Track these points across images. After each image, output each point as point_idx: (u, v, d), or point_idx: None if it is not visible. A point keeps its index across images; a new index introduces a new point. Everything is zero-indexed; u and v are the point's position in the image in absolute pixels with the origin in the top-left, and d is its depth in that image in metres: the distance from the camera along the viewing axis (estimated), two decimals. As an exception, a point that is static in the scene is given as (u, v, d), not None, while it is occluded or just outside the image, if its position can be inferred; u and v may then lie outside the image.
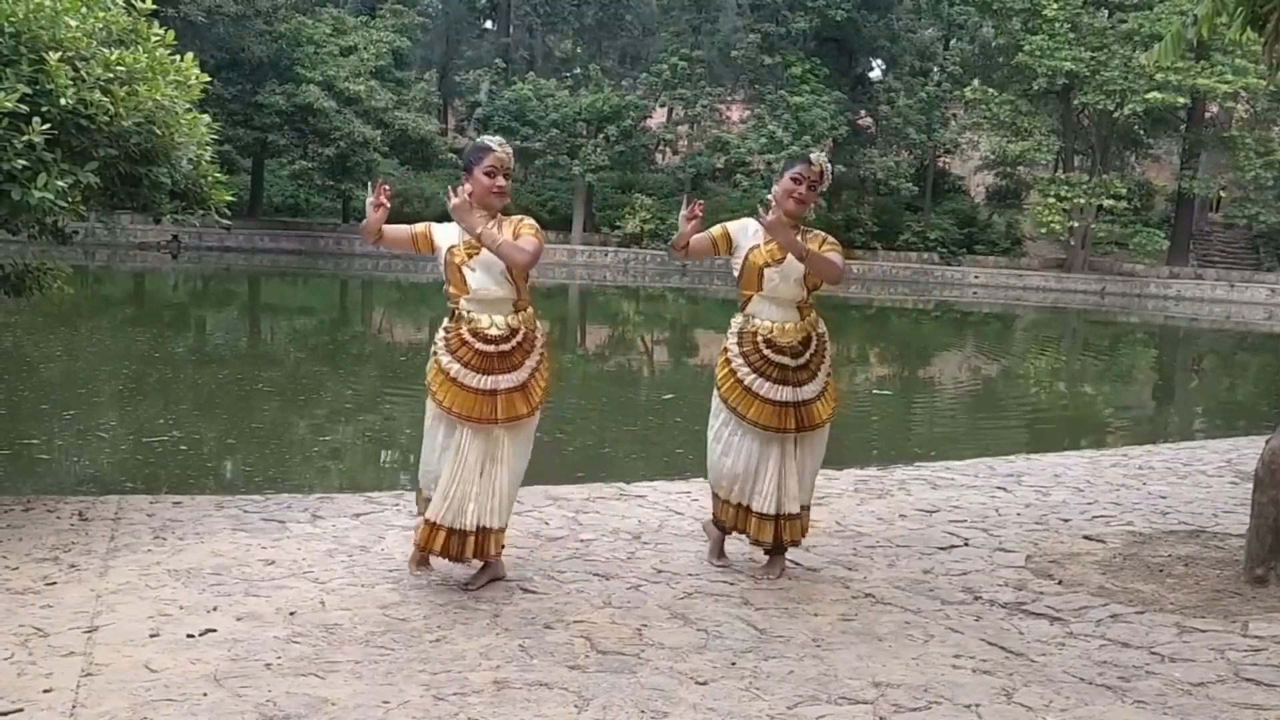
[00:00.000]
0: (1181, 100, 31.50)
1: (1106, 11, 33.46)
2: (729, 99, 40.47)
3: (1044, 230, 34.61)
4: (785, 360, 4.24)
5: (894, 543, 4.92)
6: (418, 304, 23.10)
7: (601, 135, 36.35)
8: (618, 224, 36.72)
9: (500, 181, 3.95)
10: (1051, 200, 33.22)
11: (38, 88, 4.18)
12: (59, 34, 4.31)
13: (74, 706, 2.92)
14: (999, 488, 6.20)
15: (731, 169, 36.40)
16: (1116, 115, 32.26)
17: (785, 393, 4.22)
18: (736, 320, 4.35)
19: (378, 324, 20.16)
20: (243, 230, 30.96)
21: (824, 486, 5.81)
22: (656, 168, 40.46)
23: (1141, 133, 35.63)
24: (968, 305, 30.01)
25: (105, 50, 4.49)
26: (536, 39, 43.60)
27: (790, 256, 4.14)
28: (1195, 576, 4.42)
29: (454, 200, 3.81)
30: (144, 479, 6.82)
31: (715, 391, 4.36)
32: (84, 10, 4.52)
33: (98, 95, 4.30)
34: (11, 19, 4.25)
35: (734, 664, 3.40)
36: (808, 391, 4.26)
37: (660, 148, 39.44)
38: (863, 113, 38.75)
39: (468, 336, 3.96)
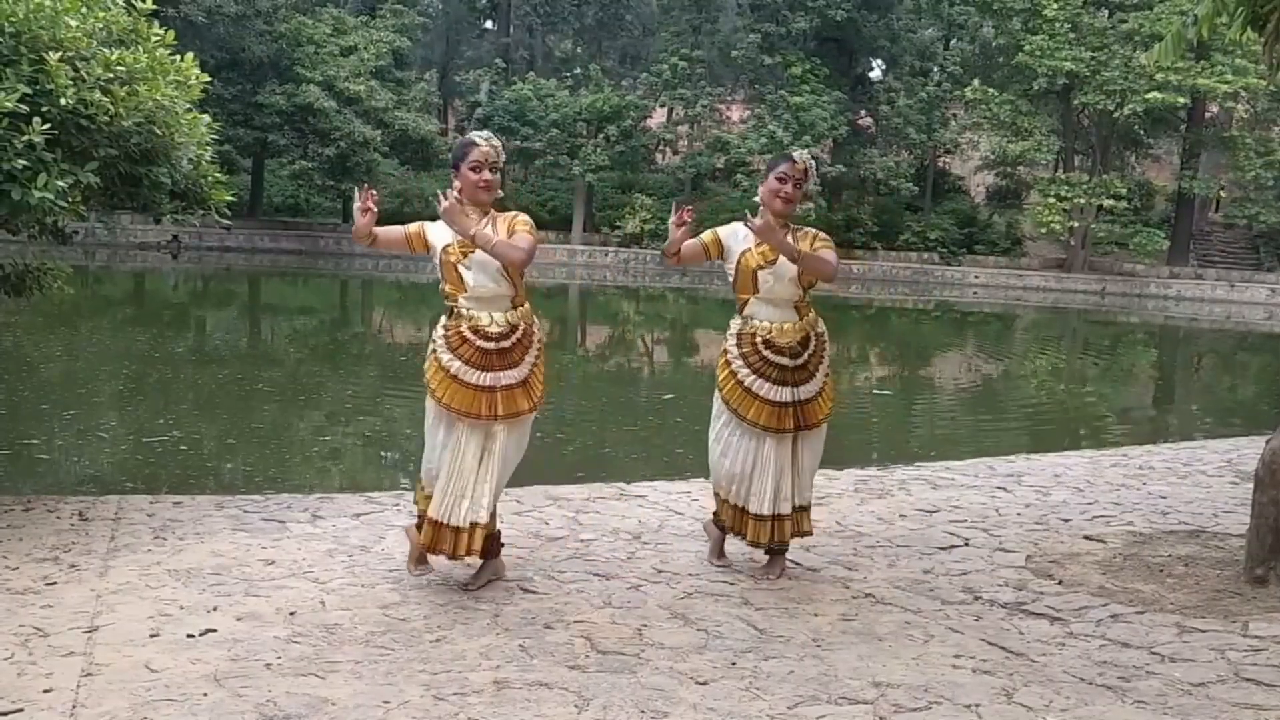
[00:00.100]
0: (1182, 100, 31.50)
1: (1107, 11, 33.45)
2: (729, 99, 40.48)
3: (1044, 230, 34.61)
4: (784, 360, 4.24)
5: (894, 543, 4.92)
6: (418, 304, 23.10)
7: (601, 135, 36.36)
8: (618, 224, 36.73)
9: (487, 176, 3.95)
10: (1051, 200, 33.22)
11: (38, 88, 4.18)
12: (59, 34, 4.32)
13: (74, 706, 2.92)
14: (999, 488, 6.20)
15: (731, 169, 36.43)
16: (1117, 115, 32.26)
17: (785, 393, 4.22)
18: (735, 322, 4.36)
19: (378, 324, 20.16)
20: (243, 230, 30.97)
21: (824, 486, 5.82)
22: (657, 168, 40.48)
23: (1142, 133, 35.62)
24: (968, 305, 30.01)
25: (105, 50, 4.49)
26: (536, 39, 43.60)
27: (783, 257, 4.14)
28: (1195, 576, 4.42)
29: (443, 204, 3.79)
30: (144, 479, 6.82)
31: (717, 393, 4.36)
32: (84, 10, 4.52)
33: (98, 95, 4.31)
34: (11, 19, 4.25)
35: (734, 664, 3.40)
36: (807, 391, 4.27)
37: (660, 148, 39.46)
38: (863, 113, 38.76)
39: (468, 334, 3.96)
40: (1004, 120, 33.54)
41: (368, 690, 3.09)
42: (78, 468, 7.31)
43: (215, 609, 3.71)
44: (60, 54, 4.23)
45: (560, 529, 4.95)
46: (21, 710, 2.90)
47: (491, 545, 4.07)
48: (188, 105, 4.96)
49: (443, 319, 4.07)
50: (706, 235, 4.38)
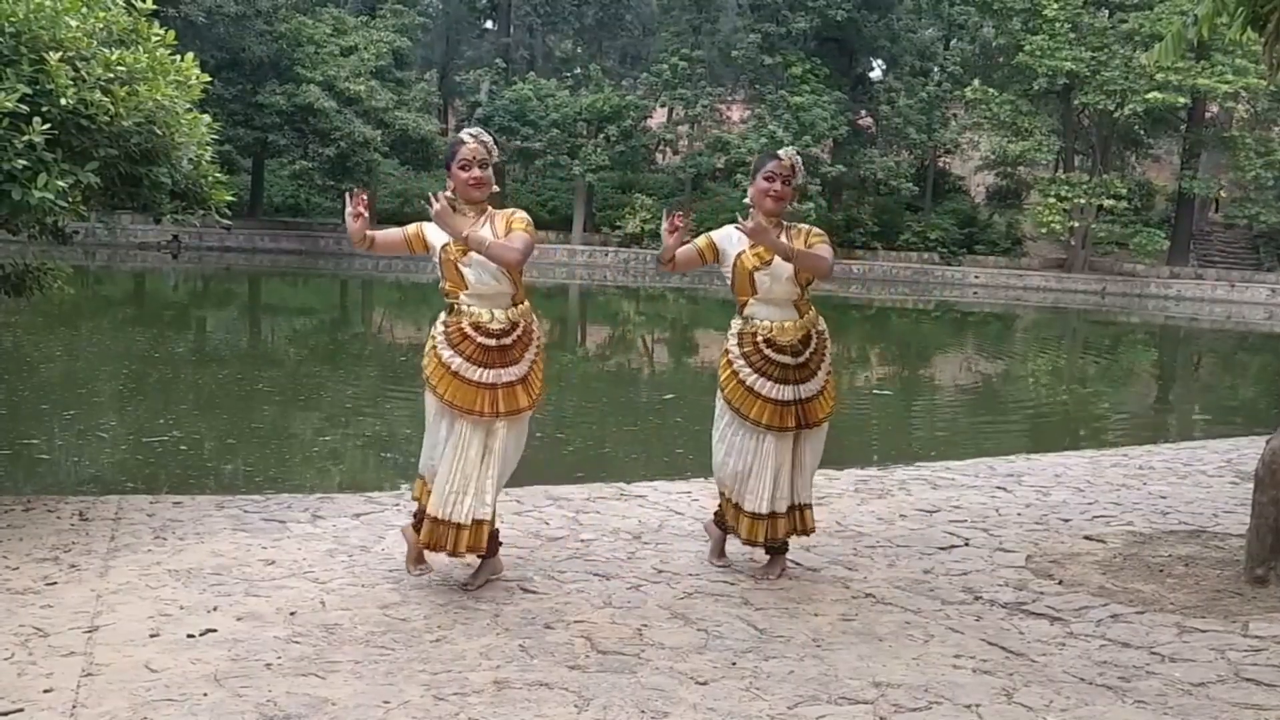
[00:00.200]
0: (1182, 100, 31.51)
1: (1107, 11, 33.46)
2: (729, 99, 40.48)
3: (1044, 230, 34.61)
4: (786, 359, 4.24)
5: (894, 543, 4.92)
6: (418, 304, 23.09)
7: (602, 135, 36.37)
8: (618, 224, 36.74)
9: (475, 173, 3.95)
10: (1052, 200, 33.23)
11: (38, 88, 4.18)
12: (59, 34, 4.32)
13: (74, 706, 2.92)
14: (999, 488, 6.20)
15: (732, 169, 36.39)
16: (1117, 115, 32.26)
17: (787, 391, 4.22)
18: (736, 322, 4.35)
19: (378, 324, 20.16)
20: (243, 230, 30.97)
21: (824, 486, 5.82)
22: (657, 168, 40.49)
23: (1142, 133, 35.63)
24: (968, 305, 30.01)
25: (106, 50, 4.49)
26: (537, 39, 43.60)
27: (778, 257, 4.13)
28: (1195, 576, 4.42)
29: (435, 207, 3.79)
30: (144, 479, 6.82)
31: (719, 393, 4.36)
32: (84, 10, 4.52)
33: (98, 95, 4.31)
34: (12, 19, 4.25)
35: (734, 664, 3.40)
36: (809, 389, 4.26)
37: (660, 148, 39.46)
38: (863, 113, 38.75)
39: (469, 330, 3.96)
40: (1004, 120, 33.55)
41: (368, 690, 3.09)
42: (78, 468, 7.30)
43: (215, 609, 3.71)
44: (60, 54, 4.23)
45: (560, 529, 4.95)
46: (21, 710, 2.90)
47: (490, 543, 4.07)
48: (188, 105, 4.96)
49: (442, 315, 4.07)
50: (701, 240, 4.37)
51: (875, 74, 40.64)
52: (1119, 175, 34.63)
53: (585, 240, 37.00)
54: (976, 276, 35.46)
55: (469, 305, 3.98)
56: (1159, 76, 29.85)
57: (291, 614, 3.69)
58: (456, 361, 3.94)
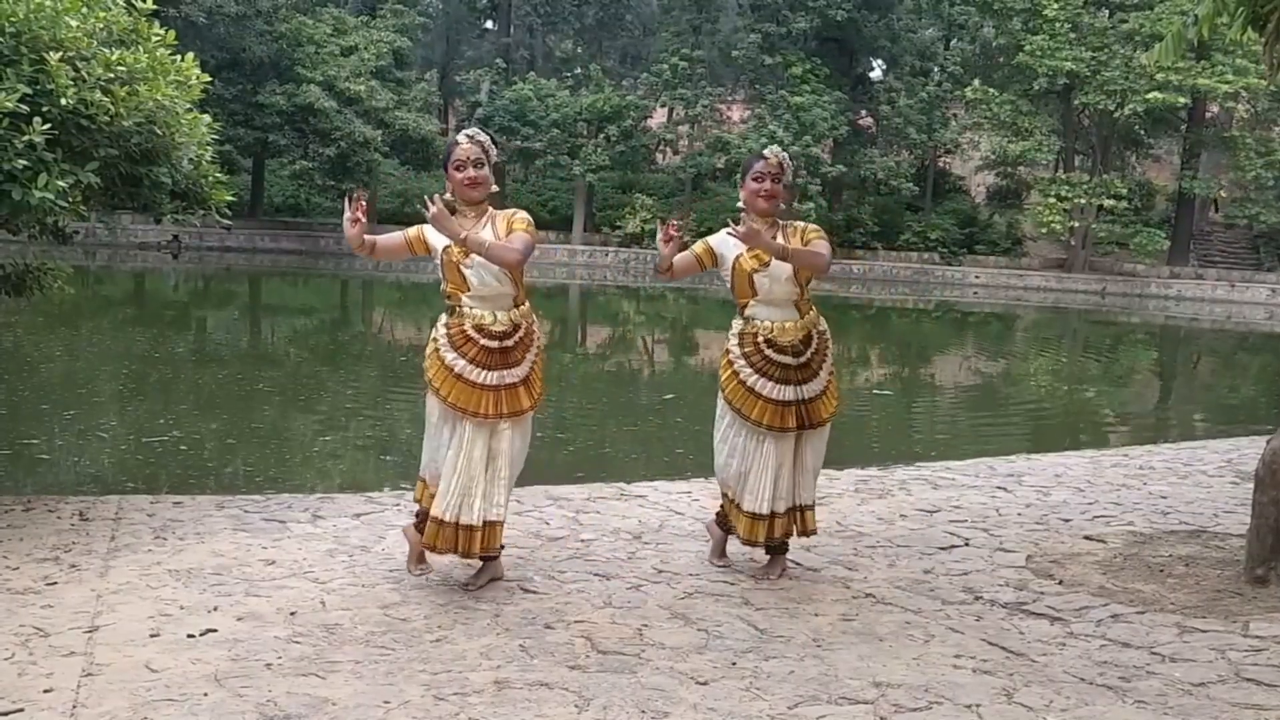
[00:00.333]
0: (1182, 100, 31.51)
1: (1107, 11, 33.46)
2: (729, 99, 40.48)
3: (1044, 230, 34.61)
4: (787, 359, 4.23)
5: (894, 543, 4.92)
6: (418, 304, 23.09)
7: (602, 135, 36.37)
8: (618, 224, 36.74)
9: (470, 173, 3.95)
10: (1052, 200, 33.22)
11: (38, 88, 4.18)
12: (60, 34, 4.32)
13: (74, 706, 2.93)
14: (999, 488, 6.20)
15: (732, 169, 36.31)
16: (1117, 115, 32.26)
17: (788, 392, 4.21)
18: (737, 322, 4.35)
19: (378, 324, 20.16)
20: (243, 230, 30.97)
21: (824, 486, 5.81)
22: (657, 168, 40.48)
23: (1142, 133, 35.63)
24: (968, 305, 30.00)
25: (106, 50, 4.49)
26: (537, 39, 43.60)
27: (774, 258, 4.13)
28: (1196, 576, 4.42)
29: (431, 210, 3.77)
30: (144, 479, 6.82)
31: (720, 394, 4.36)
32: (84, 10, 4.52)
33: (98, 95, 4.31)
34: (12, 19, 4.25)
35: (734, 664, 3.40)
36: (810, 390, 4.26)
37: (661, 148, 39.45)
38: (863, 113, 38.75)
39: (472, 332, 3.96)
40: (1004, 120, 33.55)
41: (368, 690, 3.09)
42: (78, 468, 7.31)
43: (216, 609, 3.71)
44: (61, 54, 4.23)
45: (560, 529, 4.95)
46: (22, 710, 2.90)
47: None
48: (188, 105, 4.96)
49: (444, 316, 4.07)
50: (698, 246, 4.37)
51: (875, 74, 40.65)
52: (1119, 175, 34.64)
53: (585, 240, 37.00)
54: (977, 276, 35.46)
55: (471, 307, 3.98)
56: (1159, 76, 29.85)
57: (292, 614, 3.69)
58: (460, 364, 3.94)
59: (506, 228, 3.96)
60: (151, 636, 3.44)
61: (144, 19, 4.97)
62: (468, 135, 3.99)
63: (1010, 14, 33.05)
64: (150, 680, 3.11)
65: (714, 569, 4.43)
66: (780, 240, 4.19)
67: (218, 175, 5.39)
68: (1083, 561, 4.64)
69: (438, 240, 3.99)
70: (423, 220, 3.89)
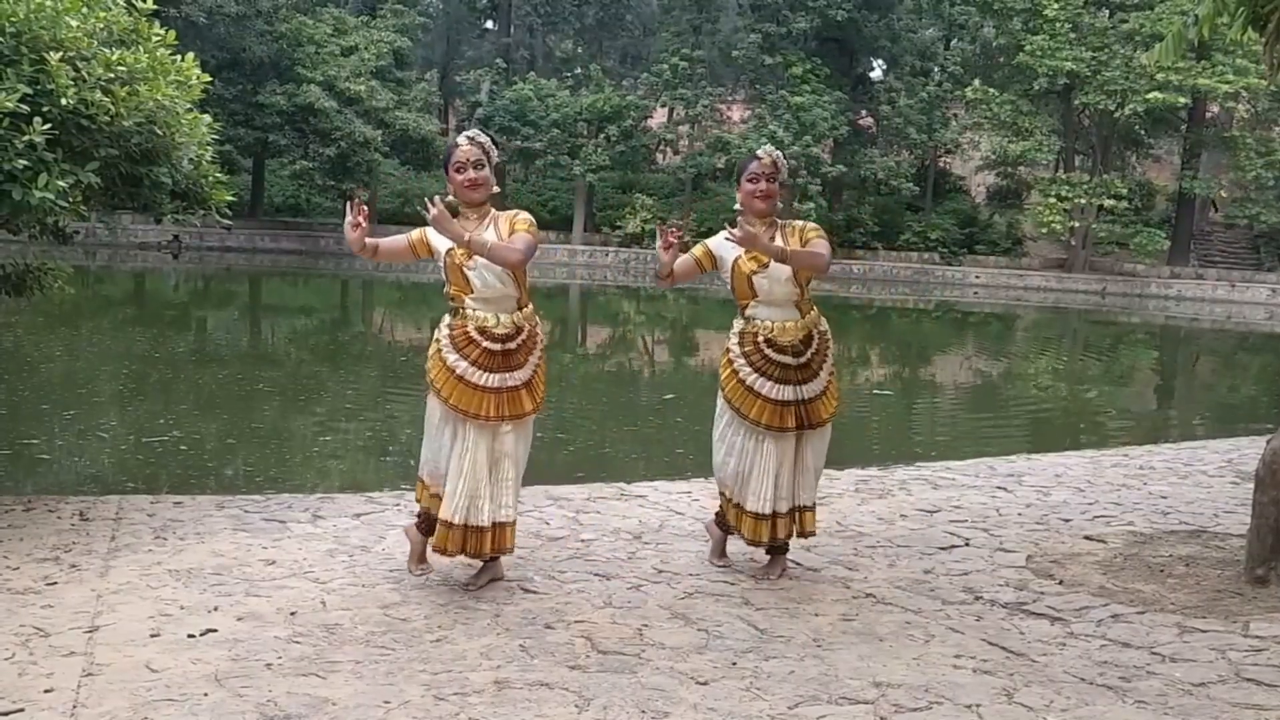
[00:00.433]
0: (1182, 100, 31.51)
1: (1107, 11, 33.46)
2: (730, 99, 40.47)
3: (1045, 230, 34.61)
4: (787, 359, 4.23)
5: (895, 543, 4.92)
6: (418, 304, 23.11)
7: (602, 135, 36.37)
8: (618, 224, 36.75)
9: (471, 174, 3.95)
10: (1052, 200, 33.22)
11: (39, 88, 4.19)
12: (60, 34, 4.32)
13: (75, 706, 2.93)
14: (1000, 488, 6.20)
15: (732, 169, 36.34)
16: (1117, 115, 32.26)
17: (787, 392, 4.21)
18: (738, 322, 4.35)
19: (378, 324, 20.16)
20: (243, 230, 30.98)
21: (825, 486, 5.80)
22: (657, 168, 40.48)
23: (1142, 133, 35.62)
24: (968, 305, 30.00)
25: (106, 50, 4.49)
26: (537, 39, 43.60)
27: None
28: (1196, 576, 4.42)
29: (432, 212, 3.76)
30: (145, 479, 6.82)
31: (719, 393, 4.36)
32: (85, 10, 4.52)
33: (99, 95, 4.31)
34: (12, 19, 4.25)
35: (735, 664, 3.40)
36: (810, 390, 4.25)
37: (661, 148, 39.46)
38: (864, 113, 38.75)
39: (474, 335, 3.96)
40: (1005, 120, 33.55)
41: (368, 690, 3.09)
42: (78, 468, 7.31)
43: (216, 609, 3.71)
44: (61, 54, 4.23)
45: (561, 529, 4.95)
46: (22, 710, 2.90)
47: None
48: (188, 105, 4.97)
49: (446, 318, 4.07)
50: (697, 249, 4.37)
51: (876, 74, 40.64)
52: (1119, 175, 34.63)
53: (586, 240, 37.01)
54: (977, 276, 35.46)
55: (474, 309, 3.98)
56: (1159, 76, 29.85)
57: (292, 614, 3.69)
58: (462, 366, 3.94)
59: (509, 228, 3.96)
60: (152, 636, 3.44)
61: (144, 19, 4.98)
62: (468, 137, 3.99)
63: (1010, 14, 33.05)
64: (150, 680, 3.11)
65: (714, 569, 4.43)
66: (779, 240, 4.18)
67: (218, 175, 5.39)
68: (1083, 561, 4.64)
69: (440, 243, 3.98)
70: (424, 221, 3.89)
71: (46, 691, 3.01)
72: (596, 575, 4.27)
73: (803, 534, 4.36)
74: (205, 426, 8.67)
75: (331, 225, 34.85)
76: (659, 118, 38.80)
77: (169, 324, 17.06)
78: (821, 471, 4.48)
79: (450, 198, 3.99)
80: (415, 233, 4.12)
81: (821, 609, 3.97)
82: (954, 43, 39.56)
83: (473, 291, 3.96)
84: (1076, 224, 33.95)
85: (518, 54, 42.39)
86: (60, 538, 4.49)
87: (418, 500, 4.18)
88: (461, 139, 3.99)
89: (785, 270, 4.16)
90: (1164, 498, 6.02)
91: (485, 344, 3.95)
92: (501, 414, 3.94)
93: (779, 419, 4.20)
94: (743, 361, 4.26)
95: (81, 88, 4.26)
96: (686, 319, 23.61)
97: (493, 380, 3.93)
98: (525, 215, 4.03)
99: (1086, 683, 3.32)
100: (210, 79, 5.22)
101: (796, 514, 4.32)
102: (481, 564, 4.11)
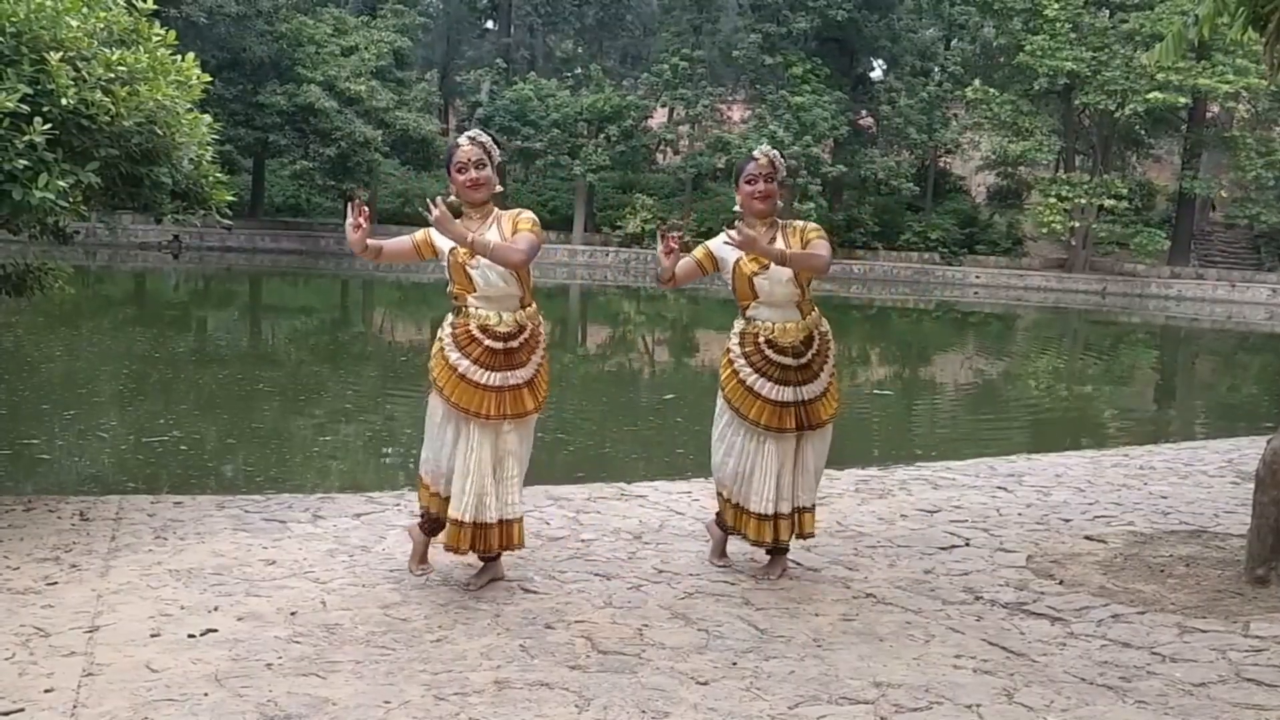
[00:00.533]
0: (1183, 100, 31.51)
1: (1108, 11, 33.46)
2: (730, 99, 40.49)
3: (1045, 230, 34.61)
4: (787, 360, 4.22)
5: (895, 543, 4.92)
6: (418, 304, 23.12)
7: (602, 135, 36.37)
8: (619, 224, 36.76)
9: (472, 174, 3.94)
10: (1052, 200, 33.22)
11: (39, 88, 4.19)
12: (60, 34, 4.32)
13: (75, 706, 2.93)
14: (1000, 488, 6.20)
15: (732, 169, 36.35)
16: (1118, 115, 32.26)
17: (787, 393, 4.21)
18: (739, 322, 4.34)
19: (378, 324, 20.16)
20: (244, 230, 30.98)
21: (825, 486, 5.80)
22: (657, 168, 40.49)
23: (1143, 133, 35.63)
24: (969, 305, 30.01)
25: (106, 50, 4.49)
26: (537, 39, 43.61)
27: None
28: (1196, 577, 4.42)
29: (434, 214, 3.76)
30: (145, 479, 6.82)
31: (719, 393, 4.35)
32: (85, 10, 4.52)
33: (99, 95, 4.31)
34: (13, 19, 4.25)
35: (735, 664, 3.40)
36: (811, 391, 4.25)
37: (661, 148, 39.46)
38: (864, 113, 38.76)
39: (477, 333, 3.96)
40: (1005, 120, 33.55)
41: (368, 690, 3.09)
42: (79, 468, 7.31)
43: (216, 609, 3.71)
44: (61, 54, 4.23)
45: (561, 529, 4.95)
46: (22, 710, 2.90)
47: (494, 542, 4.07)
48: (189, 105, 4.97)
49: (449, 316, 4.07)
50: (698, 251, 4.36)
51: (876, 74, 40.65)
52: (1120, 175, 34.63)
53: (586, 240, 37.02)
54: (977, 276, 35.47)
55: (477, 308, 3.98)
56: (1160, 76, 29.85)
57: (292, 614, 3.69)
58: (464, 364, 3.94)
59: (512, 228, 3.95)
60: (152, 636, 3.44)
61: (144, 19, 4.98)
62: (469, 137, 3.99)
63: (1011, 14, 33.06)
64: (151, 680, 3.11)
65: (714, 569, 4.43)
66: (780, 241, 4.18)
67: (218, 175, 5.39)
68: (1083, 561, 4.64)
69: (444, 243, 3.97)
70: (425, 221, 3.89)
71: (47, 691, 3.01)
72: (597, 575, 4.27)
73: (802, 535, 4.35)
74: (205, 426, 8.67)
75: (332, 225, 34.87)
76: (659, 118, 38.81)
77: (169, 324, 17.06)
78: (822, 472, 4.48)
79: (452, 198, 3.99)
80: (419, 233, 4.11)
81: (822, 609, 3.97)
82: (954, 43, 39.57)
83: (476, 290, 3.96)
84: (1077, 224, 33.95)
85: (518, 54, 42.41)
86: (60, 538, 4.49)
87: (421, 500, 4.18)
88: (463, 139, 3.99)
89: (786, 271, 4.15)
90: (1164, 498, 6.02)
91: (487, 342, 3.95)
92: (503, 412, 3.94)
93: (779, 420, 4.20)
94: (743, 362, 4.26)
95: (82, 88, 4.26)
96: (686, 319, 23.61)
97: (494, 379, 3.93)
98: (528, 214, 4.02)
99: (1087, 683, 3.32)
100: (210, 79, 5.22)
101: (796, 515, 4.31)
102: (482, 564, 4.11)
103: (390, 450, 8.41)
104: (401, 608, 3.81)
